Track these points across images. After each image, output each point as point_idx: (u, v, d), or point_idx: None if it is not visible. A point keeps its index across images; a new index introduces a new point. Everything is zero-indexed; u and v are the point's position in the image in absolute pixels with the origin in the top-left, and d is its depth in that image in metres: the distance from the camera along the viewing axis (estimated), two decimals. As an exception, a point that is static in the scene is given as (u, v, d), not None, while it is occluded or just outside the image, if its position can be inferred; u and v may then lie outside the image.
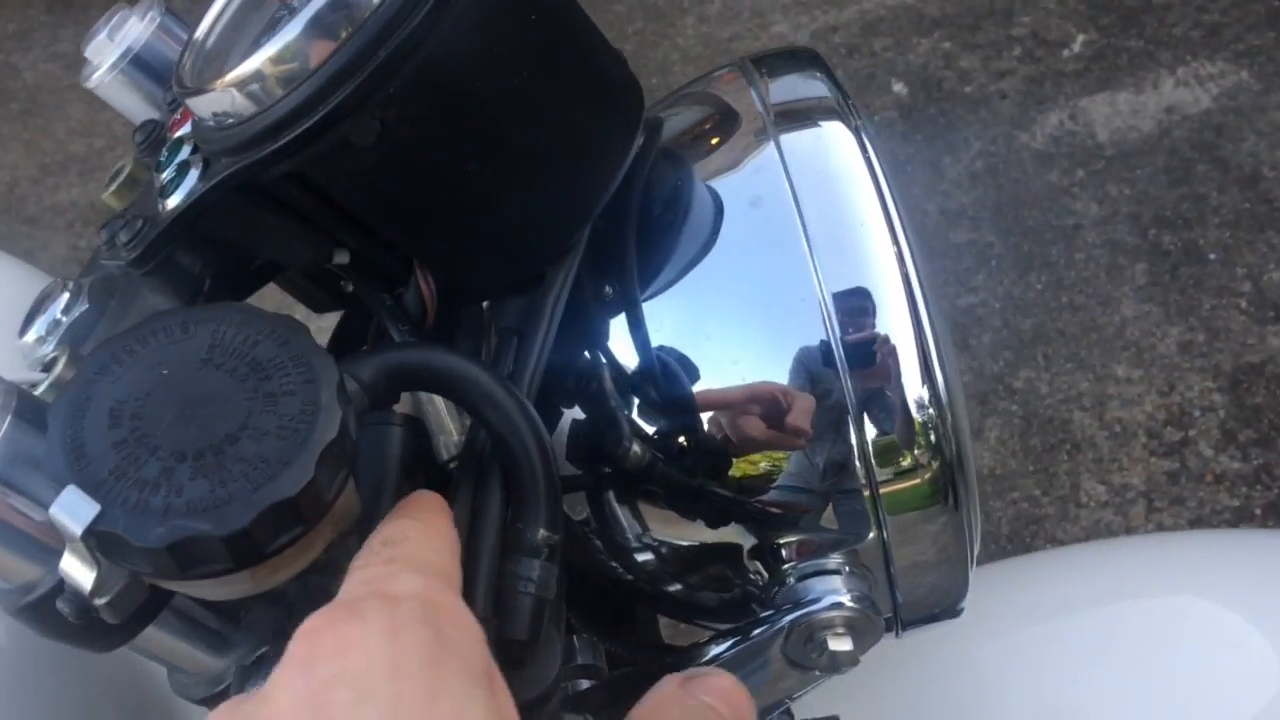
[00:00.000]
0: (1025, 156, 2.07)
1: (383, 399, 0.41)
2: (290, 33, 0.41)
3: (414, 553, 0.36)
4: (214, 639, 0.43)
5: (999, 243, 1.97)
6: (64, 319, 0.48)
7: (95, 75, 0.55)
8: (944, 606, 0.54)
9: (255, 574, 0.35)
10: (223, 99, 0.42)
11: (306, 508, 0.34)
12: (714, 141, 0.54)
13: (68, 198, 2.34)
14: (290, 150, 0.41)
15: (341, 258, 0.48)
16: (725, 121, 0.54)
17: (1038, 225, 1.98)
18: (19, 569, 0.38)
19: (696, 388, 0.51)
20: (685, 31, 2.38)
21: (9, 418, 0.38)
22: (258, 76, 0.42)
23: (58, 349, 0.47)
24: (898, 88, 2.22)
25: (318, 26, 0.41)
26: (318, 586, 0.41)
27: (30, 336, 0.49)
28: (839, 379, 0.49)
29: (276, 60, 0.42)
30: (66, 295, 0.49)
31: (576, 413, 0.53)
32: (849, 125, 0.51)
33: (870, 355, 0.49)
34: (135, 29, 0.55)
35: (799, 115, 0.52)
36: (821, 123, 0.51)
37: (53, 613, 0.38)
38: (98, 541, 0.33)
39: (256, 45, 0.43)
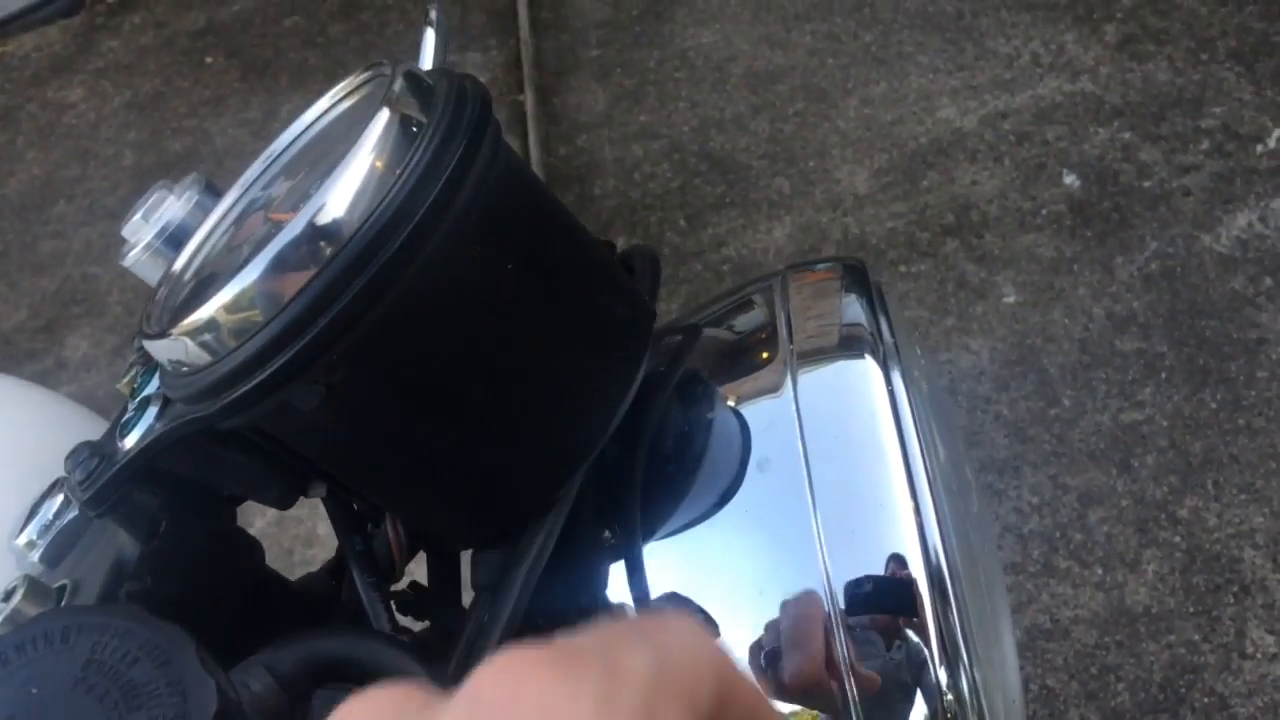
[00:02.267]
0: (1207, 260, 1.92)
1: (305, 691, 0.38)
2: (244, 279, 0.39)
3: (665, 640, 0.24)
4: None
5: (1171, 354, 1.82)
6: (55, 523, 0.47)
7: (131, 254, 0.54)
8: None
9: None
10: (176, 347, 0.40)
11: None
12: (737, 370, 0.49)
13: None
14: (236, 409, 0.39)
15: (318, 491, 0.46)
16: (753, 347, 0.49)
17: (1216, 337, 1.82)
18: None
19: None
20: (847, 114, 2.32)
21: None
22: (211, 326, 0.39)
23: (20, 579, 0.45)
24: (1069, 179, 2.09)
25: (275, 271, 0.39)
26: None
27: (22, 540, 0.48)
28: (839, 656, 0.43)
29: (230, 309, 0.39)
30: (61, 498, 0.48)
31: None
32: (879, 363, 0.45)
33: (874, 630, 0.43)
34: (172, 208, 0.53)
35: (826, 351, 0.46)
36: (849, 361, 0.46)
37: None
38: None
39: (218, 288, 0.40)
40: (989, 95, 2.26)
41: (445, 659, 0.41)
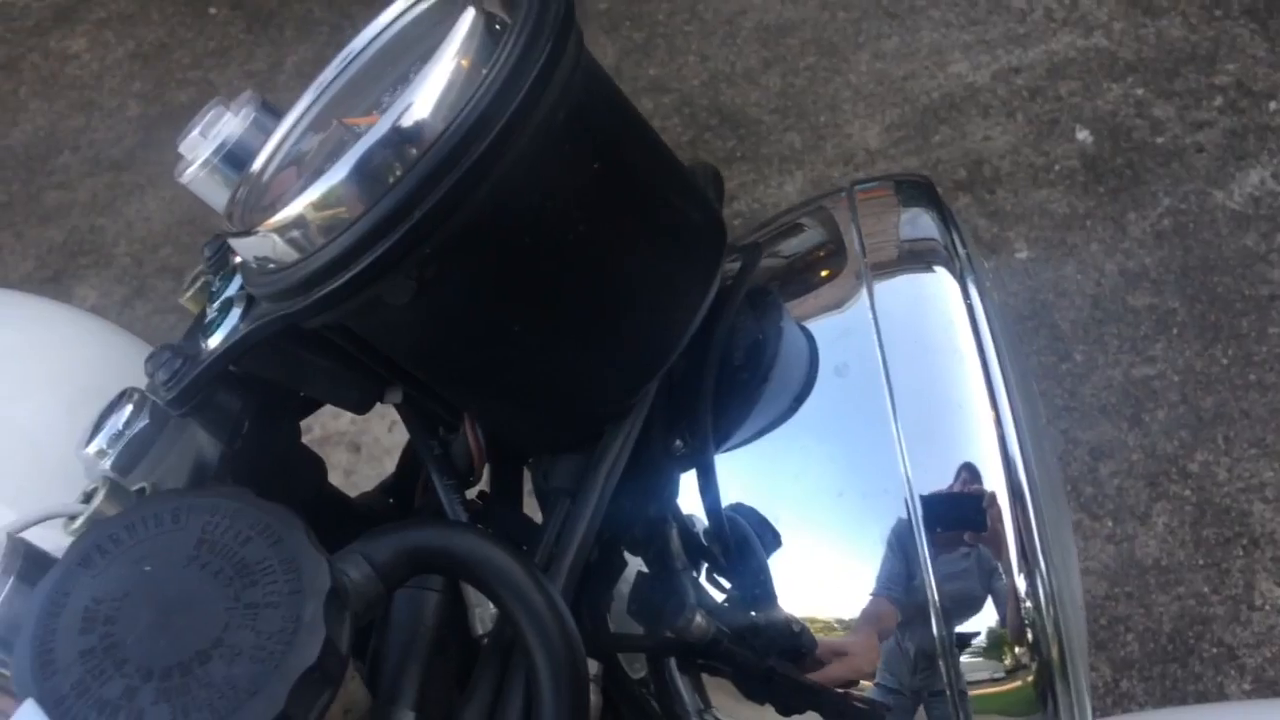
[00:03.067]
0: (1219, 217, 1.92)
1: (401, 581, 0.38)
2: (334, 177, 0.39)
3: None
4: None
5: (1183, 310, 1.83)
6: (125, 432, 0.47)
7: (188, 171, 0.54)
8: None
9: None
10: (264, 244, 0.40)
11: (276, 739, 0.31)
12: (807, 284, 0.49)
13: (246, 211, 2.43)
14: (325, 305, 0.39)
15: (394, 397, 0.46)
16: (822, 261, 0.49)
17: (1228, 293, 1.82)
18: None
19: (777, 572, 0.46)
20: (859, 68, 2.30)
21: (11, 579, 0.36)
22: (299, 223, 0.39)
23: (101, 480, 0.45)
24: (1082, 135, 2.09)
25: (364, 170, 0.38)
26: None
27: (92, 449, 0.48)
28: (921, 572, 0.43)
29: (319, 205, 0.39)
30: (130, 407, 0.48)
31: (642, 568, 0.49)
32: (955, 275, 0.46)
33: (958, 543, 0.44)
34: (229, 125, 0.53)
35: (900, 262, 0.47)
36: (923, 273, 0.46)
37: None
38: (52, 765, 0.31)
39: (304, 185, 0.40)
40: (1002, 50, 2.25)
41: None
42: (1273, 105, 2.04)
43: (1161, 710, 1.16)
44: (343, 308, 0.38)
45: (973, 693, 0.44)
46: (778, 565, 0.46)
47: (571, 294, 0.40)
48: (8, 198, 2.64)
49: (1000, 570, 0.43)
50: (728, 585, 0.47)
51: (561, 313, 0.41)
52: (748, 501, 0.46)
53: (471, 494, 0.49)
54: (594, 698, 0.44)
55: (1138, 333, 1.82)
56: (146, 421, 0.47)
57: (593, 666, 0.44)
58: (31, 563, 0.37)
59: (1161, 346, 1.80)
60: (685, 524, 0.47)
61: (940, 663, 0.44)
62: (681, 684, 0.49)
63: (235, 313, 0.42)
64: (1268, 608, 1.53)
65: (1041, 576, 0.44)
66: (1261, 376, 1.73)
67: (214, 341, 0.42)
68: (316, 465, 0.51)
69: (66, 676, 0.31)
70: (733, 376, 0.47)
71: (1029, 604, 0.44)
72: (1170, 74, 2.12)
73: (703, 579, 0.47)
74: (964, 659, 0.44)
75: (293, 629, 0.31)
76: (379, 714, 0.39)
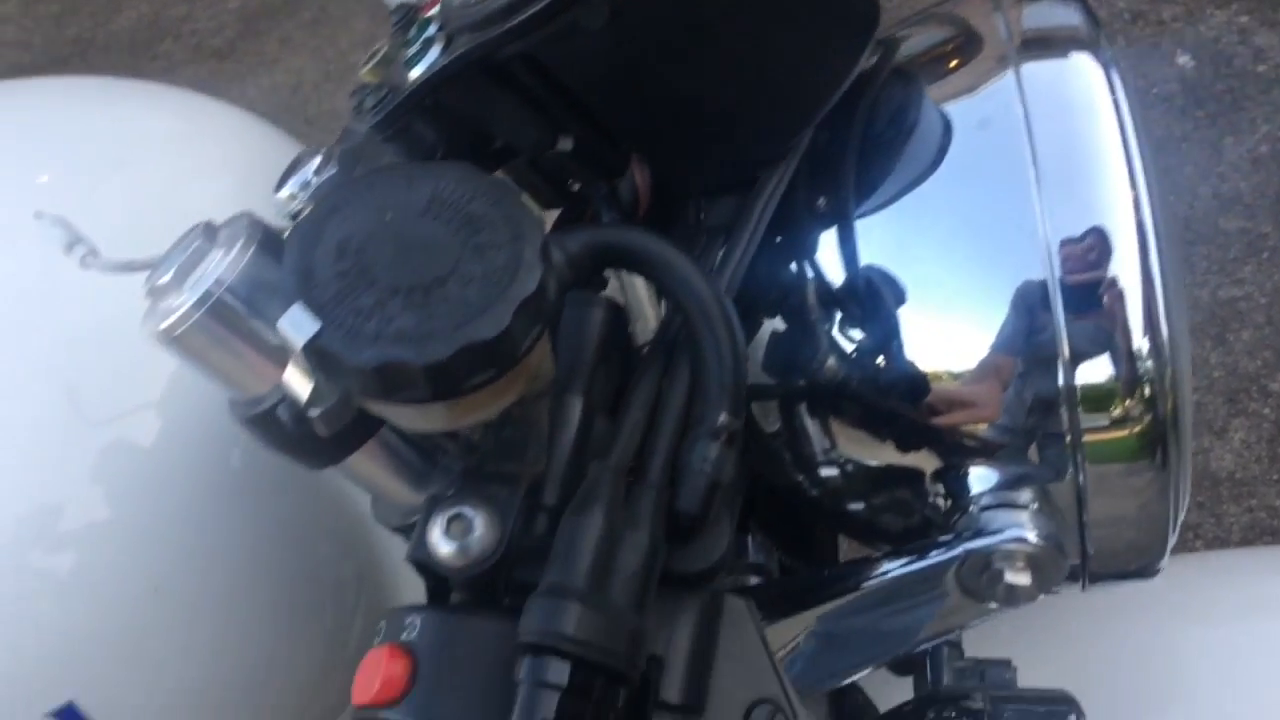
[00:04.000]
0: (1318, 145, 1.90)
1: (586, 273, 0.43)
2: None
3: None
4: (413, 474, 0.46)
5: (1274, 234, 1.82)
6: (314, 180, 0.52)
7: None
8: (1137, 566, 0.52)
9: (451, 410, 0.38)
10: (470, -21, 0.45)
11: (500, 353, 0.36)
12: (951, 65, 0.52)
13: (345, 105, 2.50)
14: (523, 30, 0.43)
15: (565, 145, 0.50)
16: (966, 45, 0.53)
17: (1322, 220, 1.81)
18: (250, 382, 0.43)
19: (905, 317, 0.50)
20: None
21: (253, 248, 0.42)
22: (502, -45, 0.44)
23: (304, 204, 0.51)
24: (1183, 60, 2.07)
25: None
26: (509, 440, 0.44)
27: (284, 193, 0.54)
28: (1052, 321, 0.47)
29: (518, -63, 0.43)
30: (319, 159, 0.53)
31: (777, 324, 0.54)
32: (1098, 58, 0.49)
33: (1090, 299, 0.47)
34: None
35: (1044, 43, 0.50)
36: (1067, 53, 0.49)
37: (275, 425, 0.42)
38: (315, 357, 0.36)
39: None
40: (1106, -28, 2.22)
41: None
42: (1383, 35, 2.01)
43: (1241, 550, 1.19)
44: (539, 33, 0.43)
45: (1088, 439, 0.48)
46: (907, 318, 0.50)
47: (747, 27, 0.45)
48: (117, 83, 2.72)
49: (1126, 326, 0.47)
50: (859, 336, 0.51)
51: (737, 43, 0.45)
52: (883, 259, 0.51)
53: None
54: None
55: (1227, 255, 1.82)
56: (336, 169, 0.52)
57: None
58: (268, 236, 0.43)
59: (1250, 269, 1.80)
60: (823, 279, 0.52)
61: (1061, 409, 0.48)
62: (811, 428, 0.54)
63: (435, 49, 0.47)
64: (1340, 524, 1.55)
65: (1162, 335, 0.47)
66: (1350, 302, 1.73)
67: (416, 72, 0.46)
68: None
69: (326, 289, 0.36)
70: (875, 142, 0.51)
71: (1150, 363, 0.47)
72: (1275, 3, 2.09)
73: (835, 330, 0.52)
74: (1084, 408, 0.48)
75: (516, 265, 0.36)
76: (555, 399, 0.44)
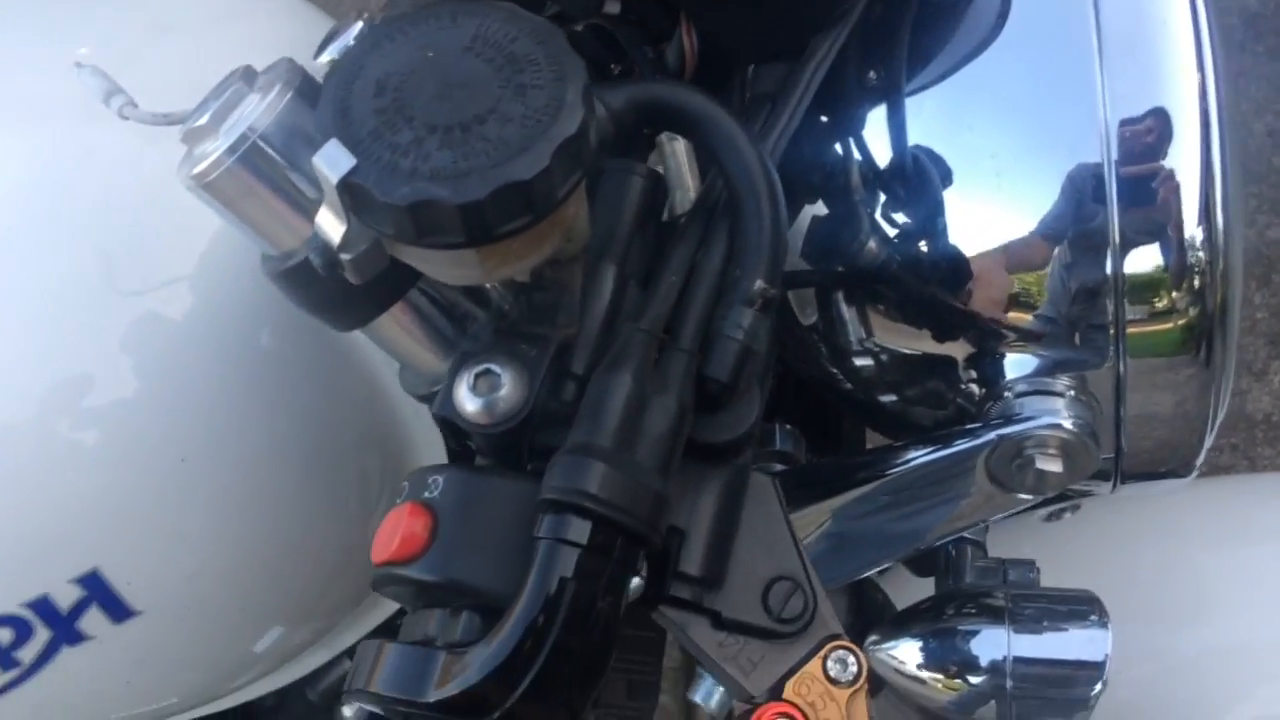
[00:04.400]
0: (1382, 84, 1.84)
1: (629, 128, 0.42)
2: None
3: None
4: (441, 341, 0.45)
5: (1329, 175, 1.77)
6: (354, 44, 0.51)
7: None
8: (1171, 465, 0.51)
9: (485, 259, 0.37)
10: None
11: (537, 196, 0.35)
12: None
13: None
14: None
15: (613, 7, 0.49)
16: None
17: (1380, 161, 1.76)
18: (283, 235, 0.42)
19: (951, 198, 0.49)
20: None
21: (290, 93, 0.41)
22: None
23: (343, 58, 0.50)
24: (1247, -8, 2.00)
25: None
26: (541, 304, 0.44)
27: (323, 59, 0.53)
28: (1105, 206, 0.46)
29: None
30: (359, 25, 0.52)
31: (818, 209, 0.53)
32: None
33: (1145, 186, 0.46)
34: None
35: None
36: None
37: (305, 282, 0.41)
38: (350, 195, 0.35)
39: None
40: (1172, -101, 2.15)
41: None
42: None
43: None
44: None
45: (1132, 329, 0.47)
46: (954, 199, 0.49)
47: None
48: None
49: (1180, 215, 0.46)
50: (903, 218, 0.50)
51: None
52: (933, 136, 0.49)
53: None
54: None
55: (1279, 194, 1.78)
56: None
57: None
58: (307, 82, 0.42)
59: (1302, 210, 1.76)
60: (869, 158, 0.50)
61: (1107, 297, 0.47)
62: (848, 316, 0.53)
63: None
64: (1376, 469, 1.53)
65: (1218, 229, 0.46)
66: (1403, 247, 1.69)
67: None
68: None
69: (363, 125, 0.35)
70: (932, 10, 0.49)
71: (1202, 254, 0.46)
72: (1349, -66, 2.02)
73: (878, 214, 0.51)
74: (1132, 298, 0.47)
75: (557, 106, 0.35)
76: (589, 264, 0.44)
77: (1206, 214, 0.45)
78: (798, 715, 0.42)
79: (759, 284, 0.41)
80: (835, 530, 0.52)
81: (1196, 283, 0.46)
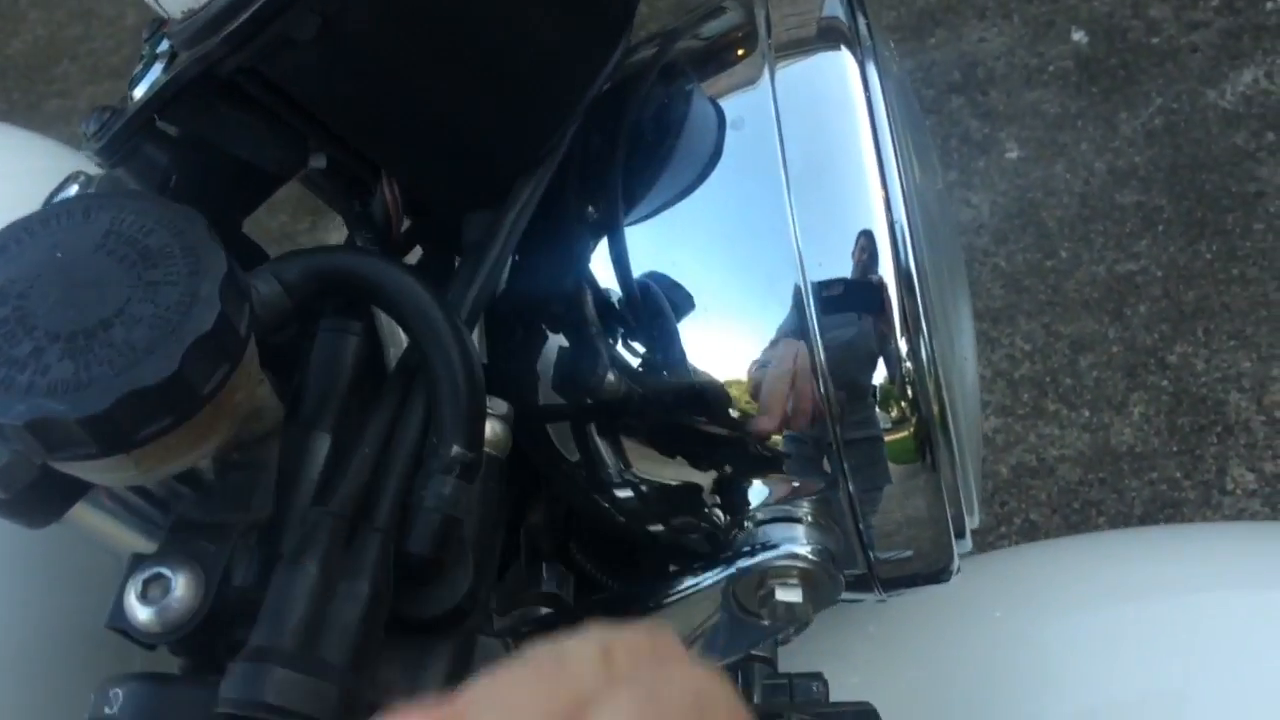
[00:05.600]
0: (1210, 116, 1.91)
1: (310, 301, 0.41)
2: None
3: None
4: (147, 525, 0.43)
5: (1169, 207, 1.83)
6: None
7: None
8: (926, 571, 0.51)
9: (139, 463, 0.36)
10: (180, -8, 0.42)
11: (173, 398, 0.34)
12: (719, 65, 0.51)
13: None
14: (234, 42, 0.41)
15: (318, 162, 0.48)
16: (735, 43, 0.51)
17: (1215, 190, 1.83)
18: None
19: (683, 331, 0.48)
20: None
21: None
22: (207, -35, 0.41)
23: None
24: (1077, 36, 2.08)
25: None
26: (237, 486, 0.42)
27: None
28: (808, 330, 0.45)
29: (222, -57, 0.41)
30: (76, 186, 0.50)
31: (561, 341, 0.52)
32: (854, 53, 0.47)
33: (842, 307, 0.46)
34: None
35: (804, 41, 0.48)
36: (823, 50, 0.48)
37: None
38: (-30, 415, 0.33)
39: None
40: (1000, -49, 2.23)
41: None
42: (1269, 5, 2.03)
43: (1067, 539, 1.19)
44: (251, 47, 0.40)
45: (853, 448, 0.47)
46: (685, 330, 0.49)
47: (478, 35, 0.42)
48: (8, 106, 2.65)
49: (883, 333, 0.46)
50: (640, 349, 0.50)
51: (468, 53, 0.42)
52: (654, 266, 0.49)
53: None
54: (501, 431, 0.47)
55: (1124, 230, 1.83)
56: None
57: (500, 406, 0.47)
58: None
59: (1147, 243, 1.81)
60: (599, 291, 0.50)
61: (825, 417, 0.47)
62: (603, 447, 0.52)
63: (158, 66, 0.44)
64: (1239, 492, 1.56)
65: (924, 339, 0.46)
66: (1244, 270, 1.74)
67: (138, 92, 0.44)
68: (255, 253, 0.53)
69: (-21, 340, 0.34)
70: (644, 148, 0.49)
71: (909, 364, 0.46)
72: (1167, -26, 2.11)
73: (618, 346, 0.50)
74: (849, 416, 0.47)
75: (189, 302, 0.34)
76: (298, 434, 0.42)
77: (908, 328, 0.45)
78: None
79: (456, 450, 0.40)
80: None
81: (910, 393, 0.46)
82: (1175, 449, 1.61)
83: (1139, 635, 0.71)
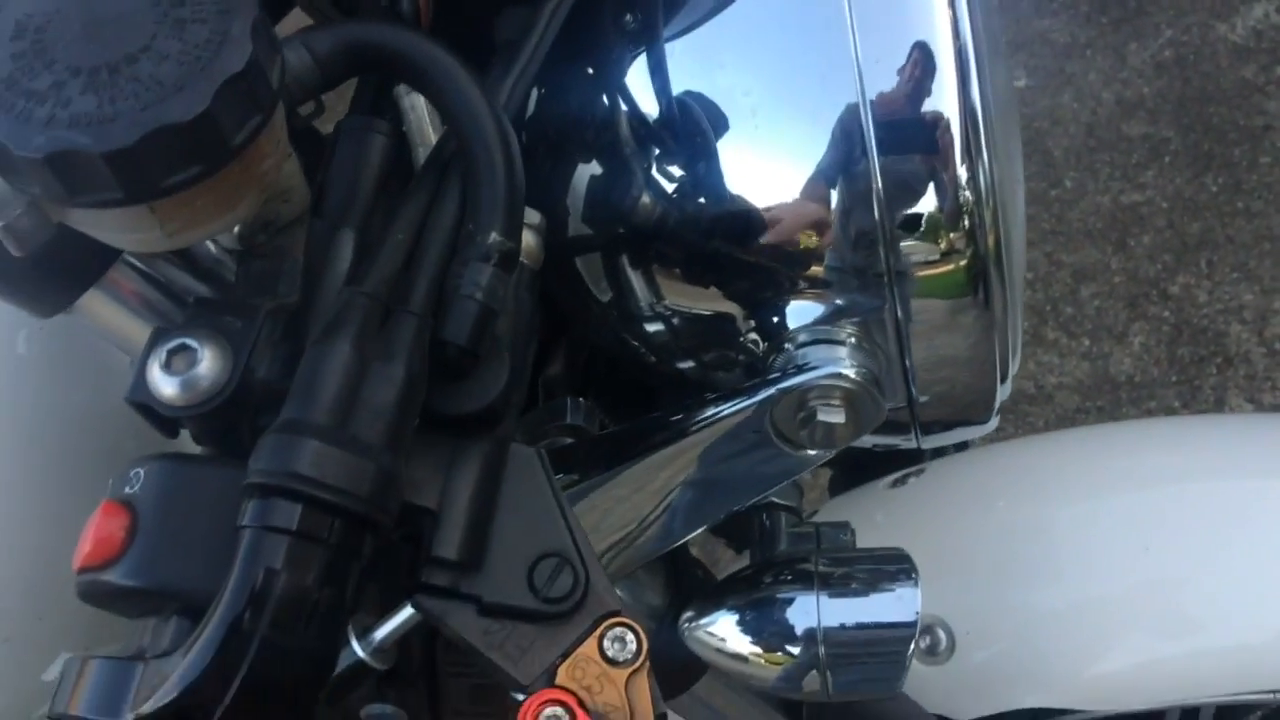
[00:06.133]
0: (1220, 49, 1.89)
1: (339, 75, 0.39)
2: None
3: None
4: (160, 320, 0.41)
5: (1176, 139, 1.81)
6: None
7: None
8: (967, 413, 0.49)
9: (164, 221, 0.33)
10: None
11: (202, 141, 0.31)
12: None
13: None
14: None
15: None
16: None
17: (1222, 123, 1.81)
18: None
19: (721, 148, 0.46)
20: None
21: None
22: None
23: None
24: (1088, -35, 2.04)
25: None
26: (261, 273, 0.40)
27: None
28: (865, 149, 0.43)
29: None
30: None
31: (593, 167, 0.50)
32: None
33: (903, 128, 0.44)
34: None
35: None
36: None
37: None
38: (-15, 152, 0.31)
39: None
40: (1013, -122, 2.18)
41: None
42: (1284, -62, 2.00)
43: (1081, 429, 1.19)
44: None
45: (910, 273, 0.45)
46: (726, 149, 0.46)
47: None
48: None
49: (943, 157, 0.44)
50: (677, 172, 0.47)
51: None
52: (698, 84, 0.46)
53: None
54: (534, 242, 0.45)
55: (1130, 160, 1.81)
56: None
57: (534, 216, 0.45)
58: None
59: (1152, 174, 1.79)
60: (635, 109, 0.47)
61: (879, 243, 0.45)
62: (634, 279, 0.50)
63: None
64: (1236, 423, 1.56)
65: (984, 167, 0.44)
66: (1249, 204, 1.73)
67: None
68: None
69: (-5, 72, 0.31)
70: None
71: (968, 193, 0.44)
72: (1183, -95, 2.07)
73: (653, 169, 0.48)
74: (903, 242, 0.45)
75: (220, 40, 0.32)
76: (322, 231, 0.40)
77: (969, 154, 0.43)
78: (570, 701, 0.39)
79: (494, 237, 0.38)
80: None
81: (966, 223, 0.44)
82: (1174, 379, 1.61)
83: (1144, 522, 0.70)
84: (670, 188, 0.47)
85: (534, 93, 0.50)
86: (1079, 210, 1.78)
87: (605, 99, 0.48)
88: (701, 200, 0.47)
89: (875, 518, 0.78)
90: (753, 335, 0.48)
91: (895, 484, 0.78)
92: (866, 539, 0.61)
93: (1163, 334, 1.65)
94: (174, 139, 0.31)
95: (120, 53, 0.31)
